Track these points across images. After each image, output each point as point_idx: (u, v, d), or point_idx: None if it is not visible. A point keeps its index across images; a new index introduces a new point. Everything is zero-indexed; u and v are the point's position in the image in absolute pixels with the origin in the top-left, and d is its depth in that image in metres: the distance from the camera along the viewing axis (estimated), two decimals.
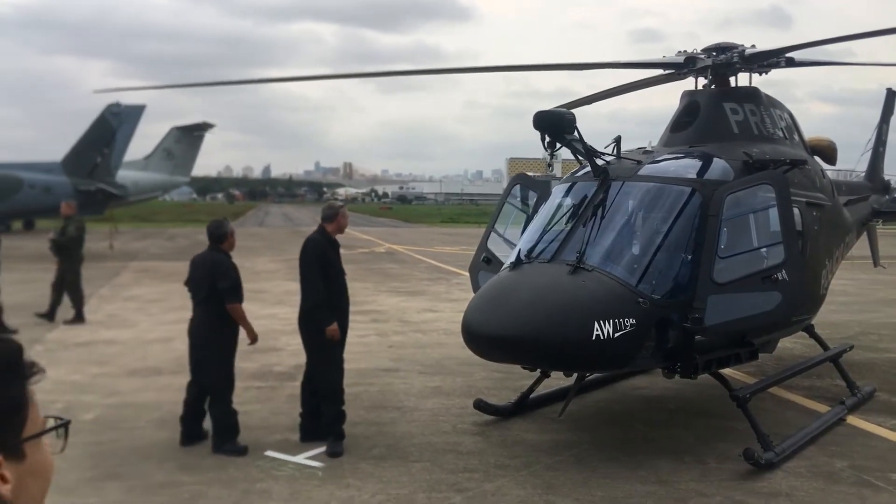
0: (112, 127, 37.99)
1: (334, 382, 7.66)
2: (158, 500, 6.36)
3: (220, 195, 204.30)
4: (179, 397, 7.98)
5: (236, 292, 7.71)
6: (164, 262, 27.68)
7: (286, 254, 29.92)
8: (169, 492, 6.50)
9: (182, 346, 12.34)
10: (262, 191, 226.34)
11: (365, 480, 6.70)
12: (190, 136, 46.05)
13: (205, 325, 7.71)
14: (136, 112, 38.66)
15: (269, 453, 7.39)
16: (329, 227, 7.90)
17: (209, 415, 7.78)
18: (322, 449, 7.44)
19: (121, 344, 12.80)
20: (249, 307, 15.05)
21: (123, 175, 40.63)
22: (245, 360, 11.08)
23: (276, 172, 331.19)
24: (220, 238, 7.93)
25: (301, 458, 7.26)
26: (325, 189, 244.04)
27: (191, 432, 7.73)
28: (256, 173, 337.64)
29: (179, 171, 46.84)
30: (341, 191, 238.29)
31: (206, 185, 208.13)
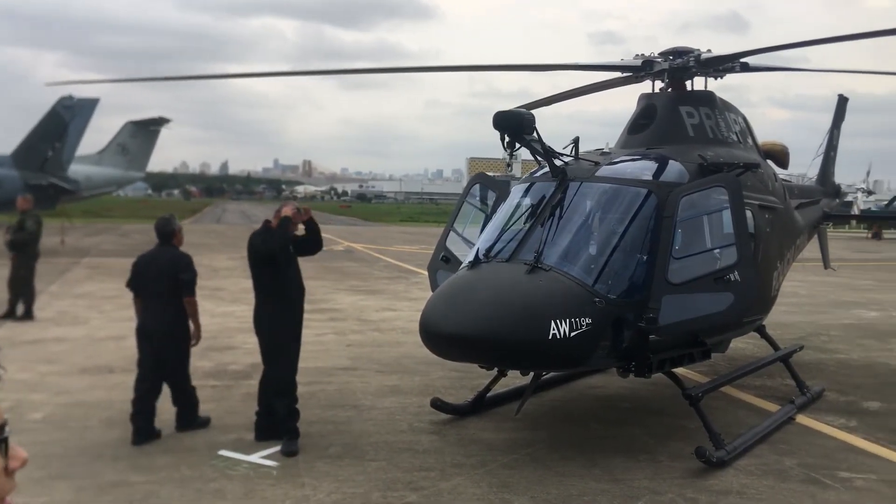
0: (64, 120, 37.18)
1: (288, 378, 7.61)
2: (109, 500, 6.23)
3: (176, 192, 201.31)
4: (131, 396, 7.85)
5: (194, 285, 7.94)
6: (118, 259, 27.17)
7: (244, 251, 29.60)
8: (120, 491, 6.39)
9: (135, 343, 12.19)
10: (219, 188, 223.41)
11: (320, 479, 6.66)
12: (145, 131, 45.25)
13: (169, 319, 7.82)
14: (89, 105, 37.87)
15: (224, 452, 7.31)
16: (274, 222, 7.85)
17: (175, 404, 7.94)
18: (277, 448, 7.37)
19: (71, 342, 12.54)
20: (206, 305, 14.81)
21: (76, 169, 39.77)
22: (200, 359, 10.94)
23: (233, 169, 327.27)
24: (170, 234, 8.08)
25: (256, 458, 7.19)
26: (283, 187, 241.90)
27: (144, 431, 7.64)
28: (214, 170, 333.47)
29: (134, 166, 46.01)
30: (300, 188, 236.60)
31: (161, 182, 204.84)
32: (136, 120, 45.57)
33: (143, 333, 7.96)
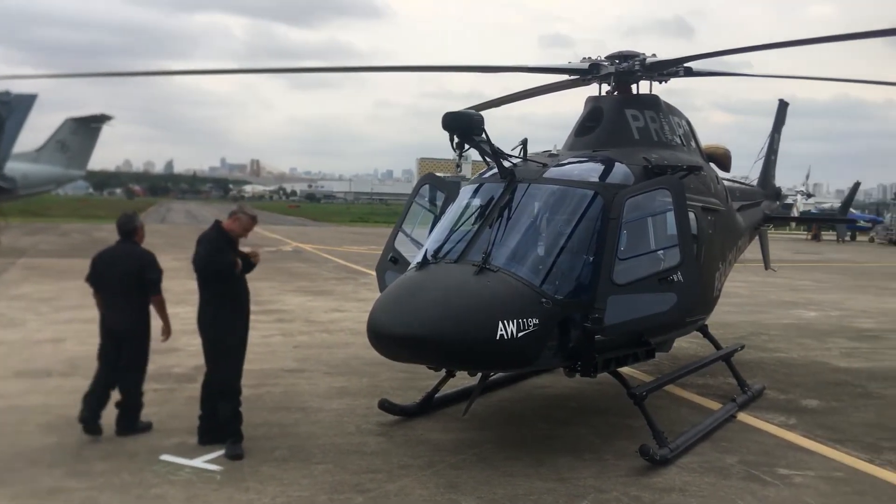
0: (0, 116, 36.08)
1: (232, 381, 7.48)
2: None
3: (118, 190, 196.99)
4: (70, 400, 7.66)
5: (160, 284, 7.94)
6: (57, 259, 26.51)
7: (189, 251, 29.10)
8: (58, 498, 6.21)
9: (75, 346, 11.88)
10: (164, 187, 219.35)
11: (265, 483, 6.56)
12: (86, 128, 44.16)
13: (132, 316, 7.79)
14: (26, 101, 36.81)
15: (166, 457, 7.15)
16: (226, 225, 7.77)
17: (119, 405, 7.84)
18: (221, 452, 7.25)
19: (7, 345, 12.15)
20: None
21: (12, 167, 38.61)
22: None
23: (179, 168, 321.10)
24: (132, 231, 8.04)
25: (199, 462, 7.05)
26: (231, 186, 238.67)
27: (90, 423, 7.65)
28: (158, 168, 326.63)
29: (74, 164, 44.88)
30: (248, 188, 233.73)
31: (103, 180, 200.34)
32: (77, 117, 44.42)
33: (105, 330, 7.88)
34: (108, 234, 37.40)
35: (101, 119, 44.62)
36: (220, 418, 7.44)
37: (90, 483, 6.52)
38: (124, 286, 7.77)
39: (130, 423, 7.85)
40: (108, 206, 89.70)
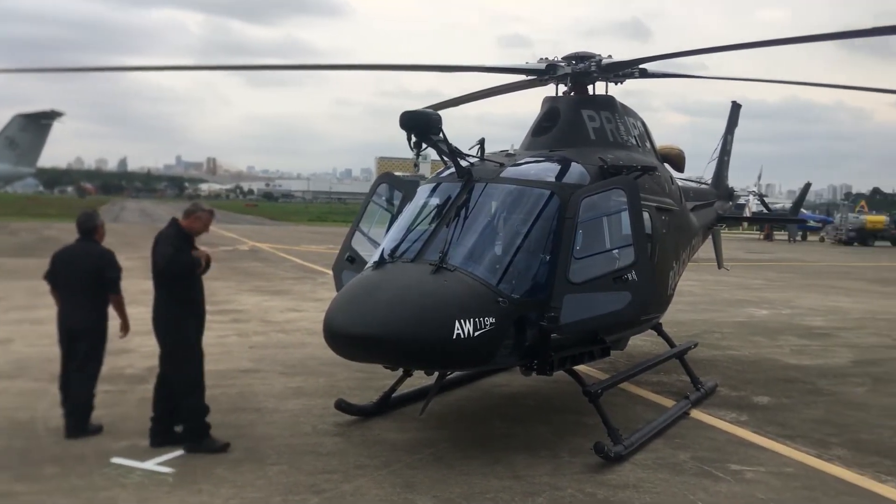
0: None
1: (193, 375, 7.44)
2: None
3: (69, 188, 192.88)
4: (18, 402, 7.49)
5: (119, 283, 7.91)
6: (5, 259, 25.87)
7: (143, 251, 28.61)
8: (4, 503, 6.05)
9: (23, 348, 11.61)
10: (117, 185, 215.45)
11: (219, 485, 6.48)
12: (36, 125, 43.22)
13: (90, 315, 7.76)
14: None
15: (116, 460, 7.01)
16: (185, 223, 7.66)
17: (65, 404, 7.78)
18: (174, 454, 7.15)
19: None
20: None
21: None
22: None
23: (133, 166, 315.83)
24: (92, 230, 8.02)
25: (150, 465, 6.93)
26: (186, 185, 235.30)
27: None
28: (111, 166, 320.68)
29: (23, 161, 43.89)
30: (204, 186, 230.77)
31: (54, 178, 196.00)
32: (26, 113, 43.40)
33: (63, 329, 7.83)
34: (58, 232, 36.62)
35: (51, 115, 43.67)
36: (182, 416, 7.36)
37: (38, 487, 6.37)
38: (83, 284, 7.74)
39: (80, 424, 7.70)
40: (58, 205, 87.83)
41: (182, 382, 7.43)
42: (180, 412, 7.44)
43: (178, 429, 7.49)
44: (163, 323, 7.46)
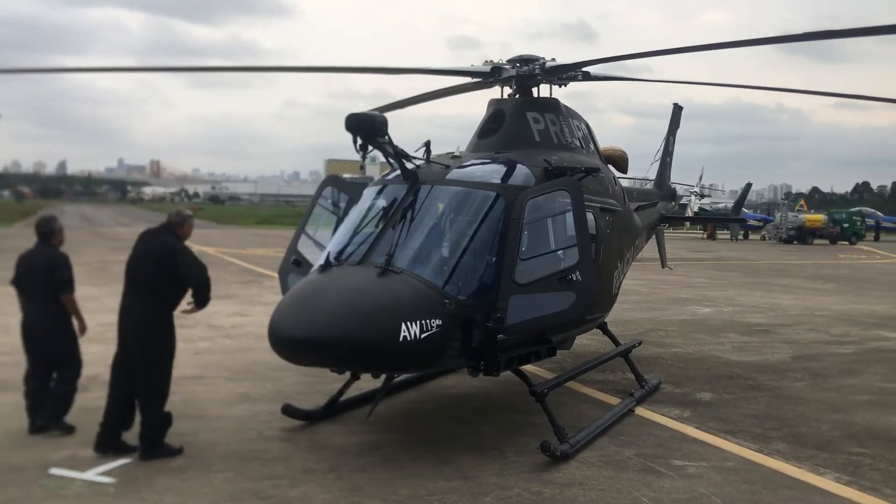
0: None
1: (166, 385, 7.44)
2: None
3: (6, 192, 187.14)
4: None
5: (71, 283, 8.04)
6: None
7: (85, 256, 27.93)
8: None
9: None
10: (56, 188, 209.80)
11: (162, 494, 6.36)
12: None
13: (47, 316, 7.96)
14: None
15: (55, 471, 6.84)
16: (180, 232, 7.80)
17: (53, 399, 8.02)
18: (116, 463, 7.02)
19: None
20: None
21: None
22: None
23: (73, 169, 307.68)
24: (49, 234, 8.27)
25: (91, 475, 6.77)
26: (129, 188, 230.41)
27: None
28: (50, 169, 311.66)
29: None
30: (147, 190, 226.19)
31: None
32: None
33: (26, 330, 8.05)
34: None
35: None
36: (149, 425, 7.29)
37: None
38: (41, 286, 7.97)
39: (54, 418, 7.93)
40: None
41: (153, 391, 7.36)
42: (145, 422, 7.31)
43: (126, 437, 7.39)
44: (145, 330, 7.34)
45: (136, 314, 7.36)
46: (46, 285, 7.95)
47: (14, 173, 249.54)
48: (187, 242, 7.90)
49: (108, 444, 7.31)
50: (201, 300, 7.60)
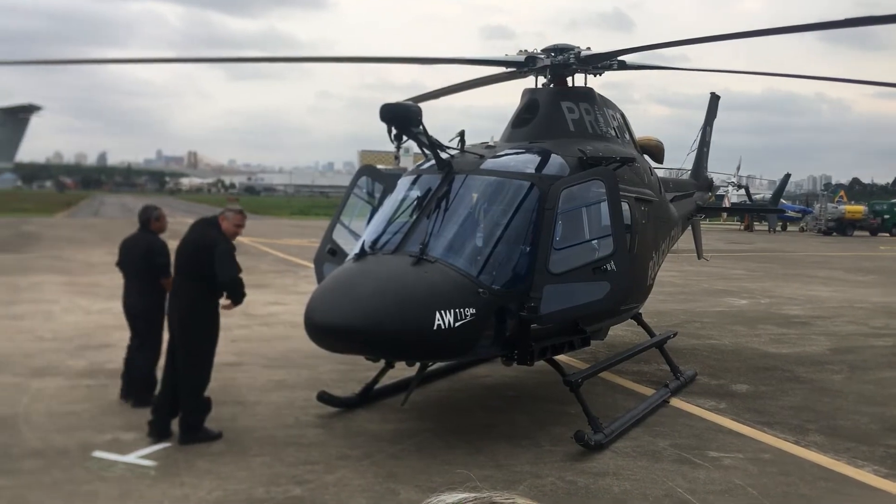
0: None
1: (208, 373, 7.60)
2: None
3: (48, 183, 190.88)
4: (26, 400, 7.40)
5: (168, 268, 8.37)
6: None
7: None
8: None
9: (3, 343, 11.54)
10: (96, 179, 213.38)
11: (201, 478, 6.49)
12: (13, 119, 42.76)
13: (146, 297, 8.54)
14: None
15: (98, 454, 7.01)
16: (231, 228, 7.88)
17: (137, 370, 8.57)
18: (157, 447, 7.17)
19: None
20: (81, 302, 14.23)
21: None
22: (74, 358, 10.48)
23: (113, 160, 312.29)
24: (146, 221, 8.89)
25: (132, 458, 6.94)
26: (167, 179, 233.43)
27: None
28: (91, 160, 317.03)
29: (1, 156, 43.44)
30: (185, 181, 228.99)
31: (32, 172, 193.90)
32: (3, 107, 42.97)
33: (125, 309, 8.83)
34: (36, 227, 36.32)
35: (29, 109, 43.25)
36: (190, 411, 7.42)
37: (19, 481, 6.36)
38: (136, 269, 8.65)
39: (142, 396, 8.28)
40: (37, 200, 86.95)
41: (195, 376, 7.51)
42: (185, 406, 7.45)
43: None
44: (190, 315, 7.51)
45: (182, 300, 7.55)
46: (142, 268, 8.57)
47: (56, 164, 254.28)
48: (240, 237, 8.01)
49: (162, 430, 7.46)
50: (234, 298, 7.71)
